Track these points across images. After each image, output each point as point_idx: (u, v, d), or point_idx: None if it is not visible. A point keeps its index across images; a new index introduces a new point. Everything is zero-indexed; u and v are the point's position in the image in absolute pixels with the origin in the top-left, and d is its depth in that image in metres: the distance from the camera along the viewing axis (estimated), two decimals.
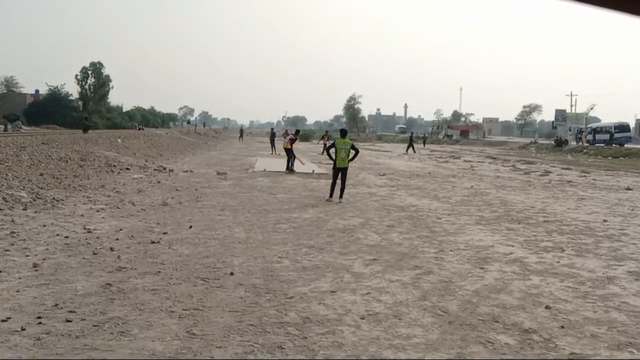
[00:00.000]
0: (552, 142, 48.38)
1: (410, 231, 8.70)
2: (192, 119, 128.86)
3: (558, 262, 6.78)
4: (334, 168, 12.29)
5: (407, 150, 38.34)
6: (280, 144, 26.75)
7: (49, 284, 5.29)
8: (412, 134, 48.67)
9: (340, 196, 12.24)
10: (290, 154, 19.69)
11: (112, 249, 6.76)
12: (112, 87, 66.49)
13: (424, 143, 55.14)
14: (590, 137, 46.40)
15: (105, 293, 5.07)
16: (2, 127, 36.68)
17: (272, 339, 4.11)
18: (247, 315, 4.60)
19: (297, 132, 22.04)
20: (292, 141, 20.17)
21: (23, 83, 70.33)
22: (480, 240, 8.05)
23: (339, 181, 12.25)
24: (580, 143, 45.52)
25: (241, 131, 59.58)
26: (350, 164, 12.61)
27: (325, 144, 32.32)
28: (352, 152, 12.23)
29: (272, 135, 34.92)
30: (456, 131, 79.08)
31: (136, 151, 25.51)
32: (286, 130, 24.38)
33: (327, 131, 42.57)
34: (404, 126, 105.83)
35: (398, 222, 9.50)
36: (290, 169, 19.30)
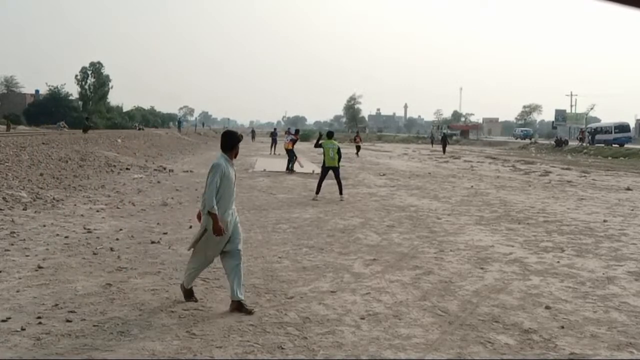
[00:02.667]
0: (552, 142, 48.43)
1: (410, 231, 8.70)
2: (191, 118, 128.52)
3: (558, 262, 6.78)
4: (323, 167, 12.73)
5: (444, 151, 38.05)
6: (281, 144, 26.73)
7: (49, 283, 5.29)
8: (445, 133, 48.57)
9: (340, 193, 12.46)
10: (291, 155, 19.71)
11: (112, 249, 6.77)
12: (112, 87, 66.70)
13: (432, 143, 54.85)
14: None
15: (106, 293, 5.07)
16: (5, 127, 36.62)
17: (272, 339, 4.11)
18: (246, 315, 4.60)
19: (297, 131, 21.99)
20: (294, 142, 20.17)
21: (23, 83, 70.44)
22: (480, 241, 8.05)
23: (333, 180, 12.47)
24: (583, 143, 45.60)
25: (253, 132, 61.00)
26: (350, 163, 12.77)
27: (358, 146, 32.27)
28: (337, 155, 12.58)
29: (274, 136, 34.96)
30: (456, 131, 79.03)
31: (136, 151, 25.52)
32: (288, 129, 24.36)
33: (358, 131, 42.06)
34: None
35: (398, 222, 9.50)
36: (290, 169, 19.32)
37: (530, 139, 58.16)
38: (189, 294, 4.91)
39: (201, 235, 4.70)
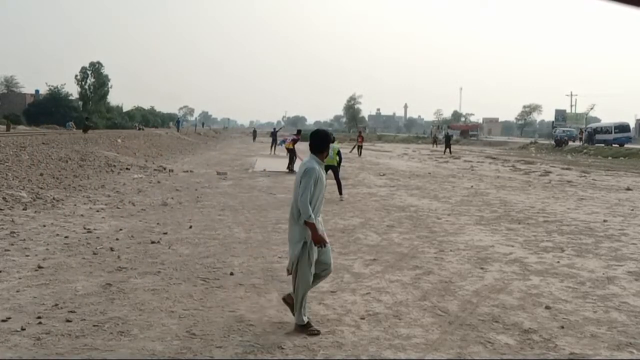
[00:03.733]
0: (553, 142, 48.39)
1: (410, 231, 8.70)
2: (191, 118, 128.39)
3: (558, 262, 6.78)
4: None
5: (444, 152, 38.19)
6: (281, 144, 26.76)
7: (49, 284, 5.29)
8: (448, 133, 48.56)
9: (340, 193, 12.57)
10: (293, 154, 19.83)
11: (112, 249, 6.77)
12: (111, 87, 66.57)
13: (434, 143, 54.74)
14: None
15: (105, 293, 5.07)
16: (4, 127, 36.61)
17: (271, 339, 4.11)
18: (247, 315, 4.60)
19: (299, 132, 22.14)
20: (295, 141, 20.32)
21: (23, 83, 70.34)
22: (480, 241, 8.05)
23: (332, 181, 12.62)
24: (583, 143, 45.52)
25: (254, 132, 60.44)
26: (350, 163, 12.89)
27: (359, 145, 32.17)
28: (337, 157, 12.74)
29: (274, 135, 34.98)
30: (456, 131, 78.96)
31: (136, 151, 25.51)
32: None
33: (360, 131, 41.84)
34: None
35: (398, 222, 9.50)
36: (291, 169, 19.34)
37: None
38: (308, 327, 4.23)
39: (301, 250, 4.14)
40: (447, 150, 38.28)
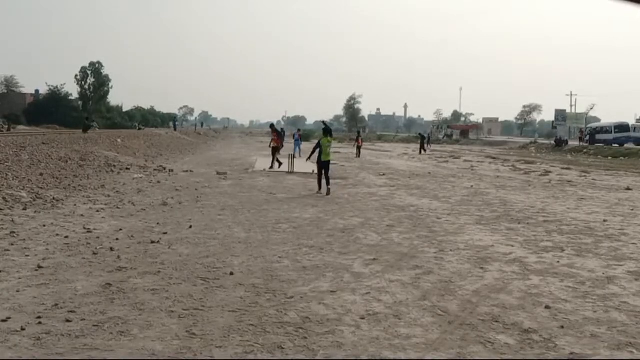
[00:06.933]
0: (552, 142, 48.39)
1: (410, 231, 8.70)
2: (191, 118, 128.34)
3: (558, 262, 6.78)
4: (319, 162, 13.12)
5: (420, 151, 38.46)
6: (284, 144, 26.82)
7: (49, 283, 5.29)
8: (422, 134, 48.87)
9: (328, 184, 12.84)
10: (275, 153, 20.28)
11: (112, 249, 6.76)
12: (112, 87, 66.58)
13: (429, 143, 54.76)
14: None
15: (105, 293, 5.06)
16: (6, 127, 36.64)
17: (272, 339, 4.11)
18: (247, 315, 4.60)
19: (272, 126, 22.67)
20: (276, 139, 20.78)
21: (23, 83, 70.12)
22: (480, 240, 8.04)
23: (333, 180, 12.99)
24: (582, 142, 45.48)
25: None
26: (350, 163, 13.07)
27: (359, 146, 32.02)
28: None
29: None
30: (456, 131, 79.09)
31: (136, 151, 25.51)
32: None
33: (359, 131, 40.97)
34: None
35: (398, 222, 9.50)
36: (272, 167, 19.68)
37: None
38: None
39: None
40: (421, 150, 38.59)
